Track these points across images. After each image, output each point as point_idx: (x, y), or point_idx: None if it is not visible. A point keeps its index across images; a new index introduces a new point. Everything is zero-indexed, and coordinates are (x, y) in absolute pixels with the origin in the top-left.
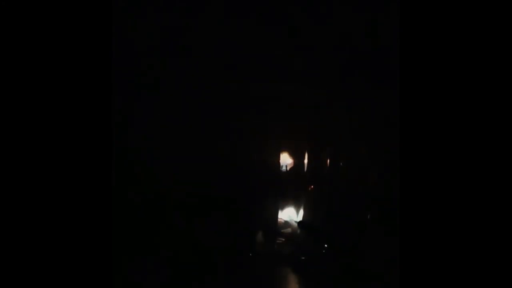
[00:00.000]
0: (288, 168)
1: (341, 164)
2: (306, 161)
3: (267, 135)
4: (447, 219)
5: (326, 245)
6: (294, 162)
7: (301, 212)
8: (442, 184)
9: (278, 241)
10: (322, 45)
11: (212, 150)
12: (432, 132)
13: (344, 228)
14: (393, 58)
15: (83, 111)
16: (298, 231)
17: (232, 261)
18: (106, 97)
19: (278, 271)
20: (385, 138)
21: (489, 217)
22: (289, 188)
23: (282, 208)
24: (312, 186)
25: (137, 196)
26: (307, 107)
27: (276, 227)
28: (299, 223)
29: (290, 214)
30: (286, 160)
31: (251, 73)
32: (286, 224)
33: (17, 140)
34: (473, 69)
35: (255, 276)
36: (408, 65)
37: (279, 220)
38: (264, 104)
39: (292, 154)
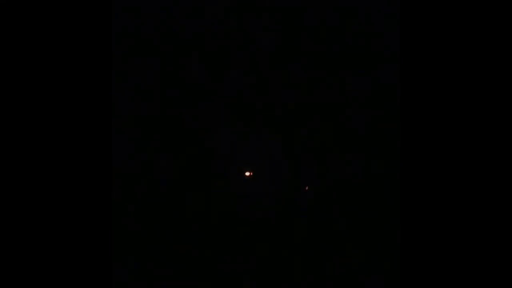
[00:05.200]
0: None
1: (339, 164)
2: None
3: (264, 136)
4: (448, 219)
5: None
6: (290, 163)
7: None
8: (442, 184)
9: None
10: (320, 43)
11: (208, 150)
12: (432, 132)
13: (342, 229)
14: (394, 57)
15: (83, 110)
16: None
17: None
18: (106, 95)
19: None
20: (385, 138)
21: (489, 217)
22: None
23: None
24: (307, 188)
25: (136, 195)
26: (304, 107)
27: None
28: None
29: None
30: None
31: (250, 71)
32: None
33: (16, 138)
34: (473, 68)
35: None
36: (409, 64)
37: None
38: (260, 103)
39: (288, 154)
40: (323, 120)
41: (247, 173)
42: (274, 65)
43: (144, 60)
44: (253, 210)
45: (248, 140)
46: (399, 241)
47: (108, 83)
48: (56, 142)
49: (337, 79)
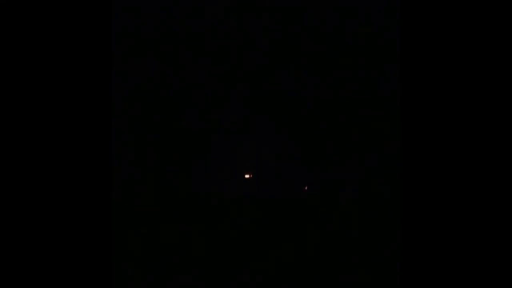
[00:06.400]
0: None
1: (338, 164)
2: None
3: (264, 136)
4: (448, 219)
5: None
6: (290, 163)
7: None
8: (442, 184)
9: None
10: (320, 43)
11: (208, 150)
12: (432, 132)
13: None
14: (394, 55)
15: (83, 110)
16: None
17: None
18: (106, 95)
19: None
20: (385, 138)
21: (489, 216)
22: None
23: None
24: (306, 188)
25: (137, 195)
26: (301, 106)
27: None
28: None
29: None
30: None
31: (249, 71)
32: None
33: (16, 138)
34: (473, 68)
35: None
36: (409, 64)
37: None
38: (260, 103)
39: (288, 154)
40: (323, 120)
41: (247, 175)
42: (274, 65)
43: (144, 60)
44: (253, 211)
45: (248, 140)
46: (399, 241)
47: (108, 83)
48: (56, 142)
49: (337, 79)
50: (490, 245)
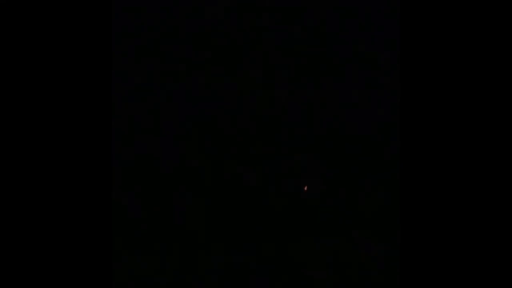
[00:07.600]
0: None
1: (338, 164)
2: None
3: (263, 136)
4: (449, 221)
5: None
6: (289, 163)
7: None
8: (443, 184)
9: None
10: (320, 43)
11: (208, 150)
12: (433, 131)
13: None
14: (394, 57)
15: (83, 110)
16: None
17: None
18: (106, 95)
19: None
20: (384, 136)
21: (489, 217)
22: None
23: None
24: (306, 187)
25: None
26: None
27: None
28: None
29: None
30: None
31: (249, 71)
32: None
33: (16, 138)
34: (474, 70)
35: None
36: (409, 65)
37: None
38: (260, 103)
39: (287, 154)
40: (323, 120)
41: (247, 176)
42: (274, 65)
43: (144, 60)
44: (253, 211)
45: (247, 140)
46: (399, 241)
47: (108, 83)
48: (56, 142)
49: (337, 79)
50: (490, 245)
